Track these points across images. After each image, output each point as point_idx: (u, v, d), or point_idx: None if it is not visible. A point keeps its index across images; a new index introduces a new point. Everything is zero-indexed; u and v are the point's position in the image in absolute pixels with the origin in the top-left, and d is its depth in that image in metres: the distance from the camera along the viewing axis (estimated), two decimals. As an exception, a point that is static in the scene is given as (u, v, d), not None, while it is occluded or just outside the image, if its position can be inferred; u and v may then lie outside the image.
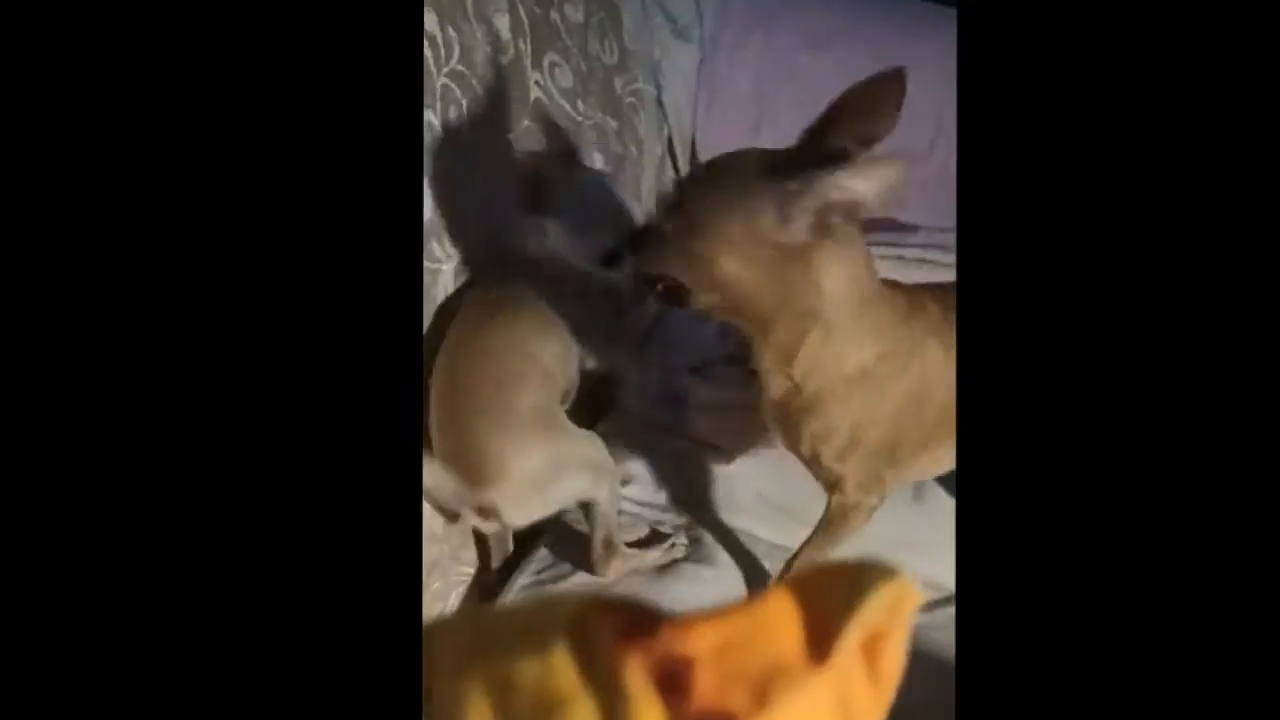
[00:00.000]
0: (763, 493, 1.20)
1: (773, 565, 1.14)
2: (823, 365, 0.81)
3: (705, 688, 0.28)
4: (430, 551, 1.04)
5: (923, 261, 1.55)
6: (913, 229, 1.68)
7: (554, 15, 1.40)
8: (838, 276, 0.76)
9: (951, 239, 1.67)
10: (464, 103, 1.08)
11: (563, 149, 1.21)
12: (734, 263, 0.74)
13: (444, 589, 1.10)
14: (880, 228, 1.72)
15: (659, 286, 0.81)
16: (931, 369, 0.84)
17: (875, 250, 0.84)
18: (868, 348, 0.81)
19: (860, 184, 0.69)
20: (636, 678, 0.28)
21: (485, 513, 0.97)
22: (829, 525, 0.96)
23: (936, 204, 1.76)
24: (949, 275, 1.64)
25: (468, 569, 1.15)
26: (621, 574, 1.08)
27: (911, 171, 1.77)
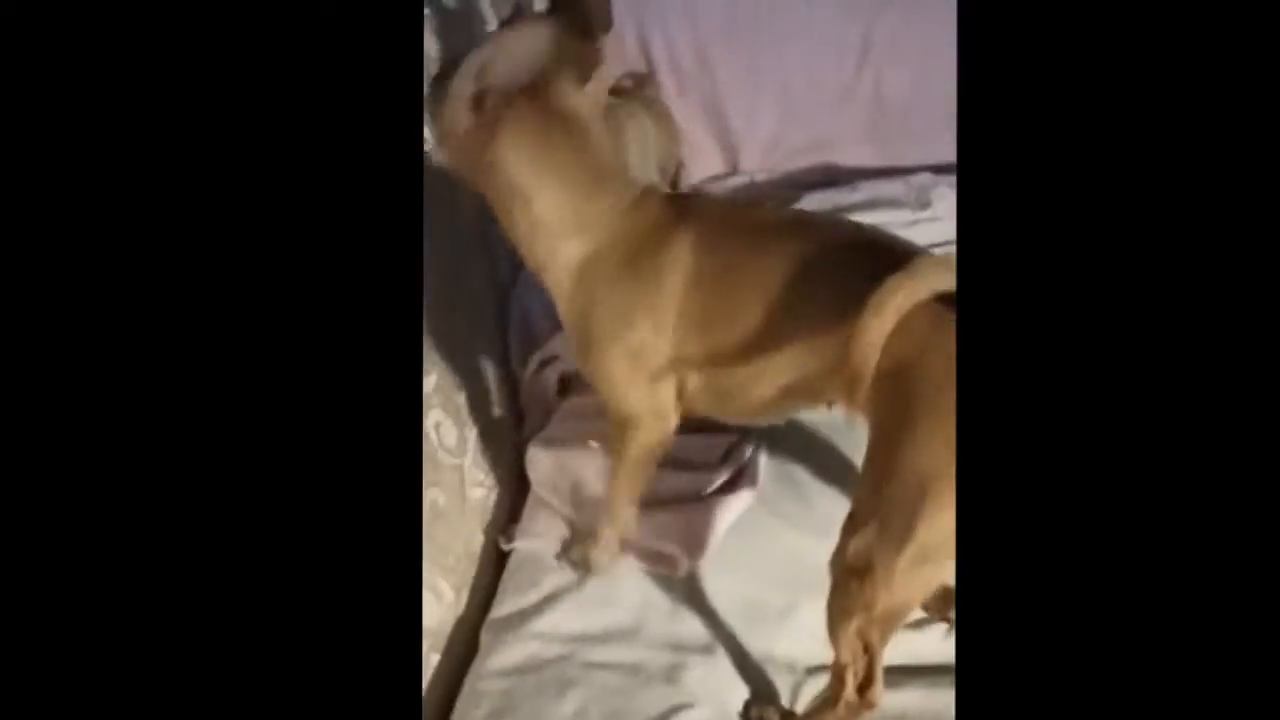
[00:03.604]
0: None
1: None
2: (534, 249, 0.82)
3: None
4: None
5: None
6: (850, 180, 1.34)
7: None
8: (506, 156, 0.76)
9: (900, 186, 1.34)
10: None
11: None
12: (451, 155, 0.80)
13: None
14: (816, 179, 1.39)
15: None
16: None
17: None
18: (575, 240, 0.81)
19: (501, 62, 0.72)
20: None
21: None
22: (611, 445, 0.92)
23: (876, 140, 1.44)
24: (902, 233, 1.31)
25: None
26: None
27: (839, 105, 1.40)
